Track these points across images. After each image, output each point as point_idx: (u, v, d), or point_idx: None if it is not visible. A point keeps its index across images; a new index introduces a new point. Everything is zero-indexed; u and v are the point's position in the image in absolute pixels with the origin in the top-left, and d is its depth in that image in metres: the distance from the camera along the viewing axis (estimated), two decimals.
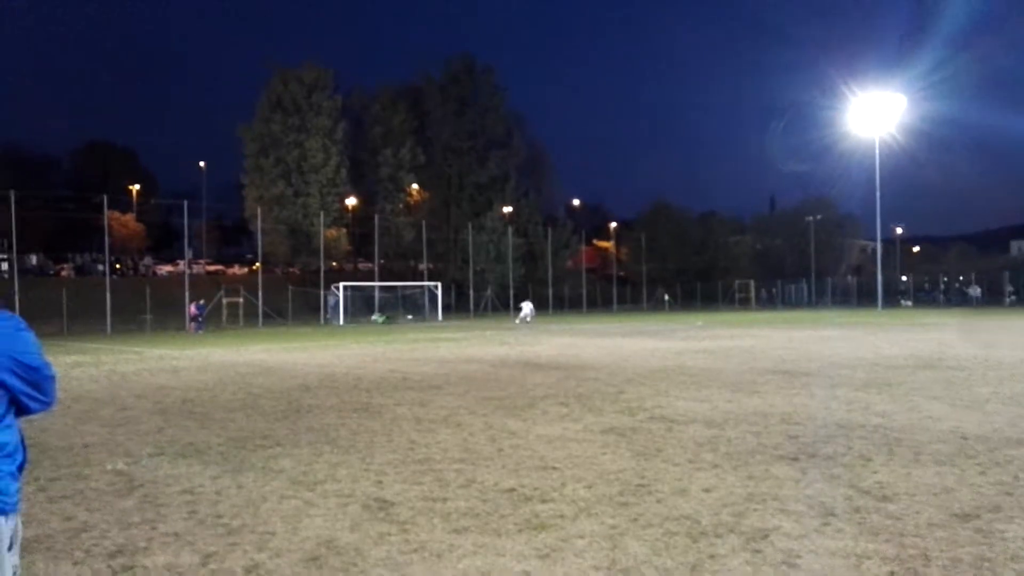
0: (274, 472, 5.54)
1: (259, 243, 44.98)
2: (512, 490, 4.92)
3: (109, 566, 3.68)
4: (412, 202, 59.01)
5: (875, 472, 5.16)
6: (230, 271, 61.18)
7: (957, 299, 58.60)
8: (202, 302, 32.88)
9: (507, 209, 60.15)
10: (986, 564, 3.44)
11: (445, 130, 60.00)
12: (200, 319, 31.44)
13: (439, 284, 46.04)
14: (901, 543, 3.74)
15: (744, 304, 63.55)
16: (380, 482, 5.20)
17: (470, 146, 60.21)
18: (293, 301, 40.12)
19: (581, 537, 3.96)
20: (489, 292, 53.88)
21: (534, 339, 22.34)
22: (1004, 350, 15.24)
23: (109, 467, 5.79)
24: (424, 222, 51.92)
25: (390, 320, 37.66)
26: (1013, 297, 54.83)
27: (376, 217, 48.48)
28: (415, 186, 58.53)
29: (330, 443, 6.60)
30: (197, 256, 57.58)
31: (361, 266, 57.69)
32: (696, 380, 10.83)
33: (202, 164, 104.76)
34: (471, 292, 52.55)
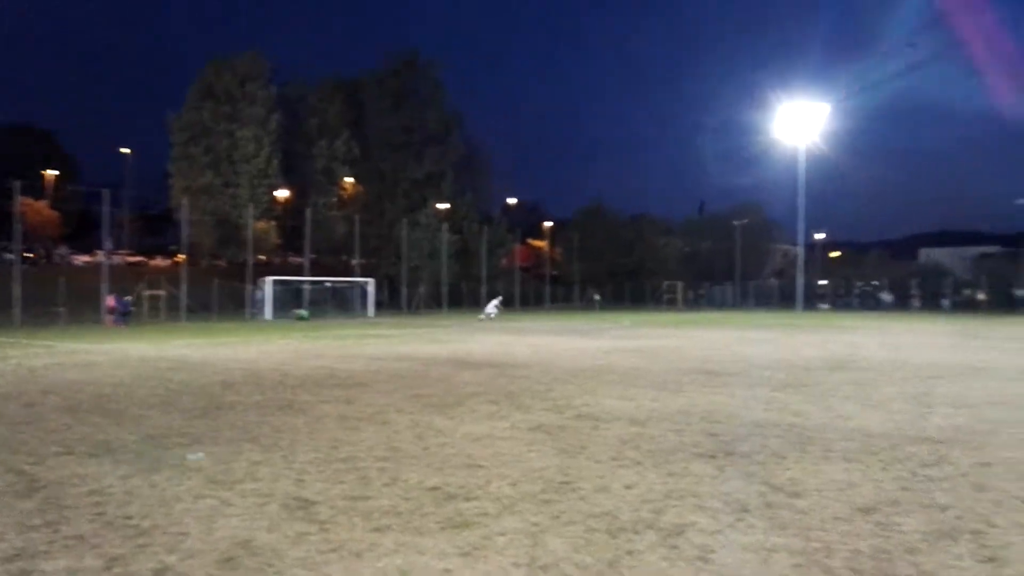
0: (190, 471, 5.37)
1: (184, 234, 43.48)
2: (436, 488, 4.91)
3: (6, 570, 3.50)
4: (346, 196, 58.12)
5: (788, 469, 5.37)
6: (152, 263, 58.99)
7: (870, 303, 61.36)
8: (128, 298, 31.49)
9: (443, 206, 59.88)
10: (883, 555, 3.63)
11: (382, 124, 59.22)
12: (123, 312, 30.08)
13: (371, 280, 45.50)
14: (807, 536, 3.90)
15: (671, 305, 64.98)
16: (301, 481, 5.11)
17: (407, 141, 59.59)
18: (219, 295, 38.94)
19: (503, 535, 3.99)
20: (422, 289, 53.53)
21: (466, 337, 22.33)
22: (909, 352, 16.05)
23: (10, 467, 5.50)
24: (357, 217, 51.19)
25: (303, 318, 36.77)
26: (919, 302, 57.72)
27: (308, 210, 47.53)
28: (349, 180, 57.66)
29: (251, 441, 6.45)
30: (118, 246, 55.23)
31: (291, 260, 56.47)
32: (623, 379, 11.03)
33: (126, 151, 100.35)
34: (404, 289, 52.08)
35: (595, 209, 79.39)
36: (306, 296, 42.58)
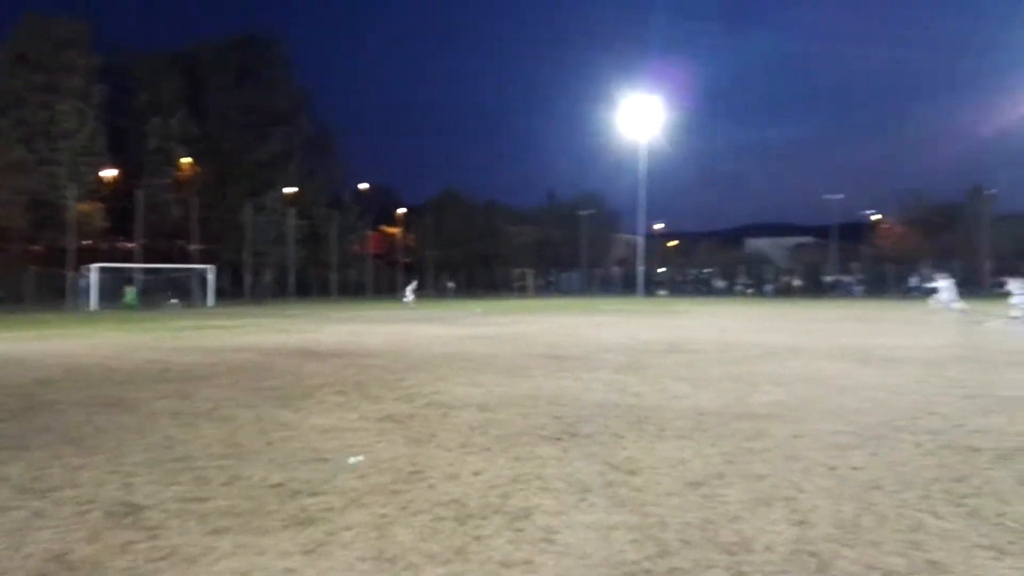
0: None
1: None
2: (280, 485, 4.74)
3: None
4: (183, 177, 54.36)
5: (625, 448, 5.65)
6: None
7: (703, 290, 65.88)
8: None
9: (290, 189, 57.55)
10: (710, 525, 3.91)
11: (223, 102, 55.91)
12: None
13: (212, 267, 43.00)
14: (643, 512, 4.13)
15: (523, 292, 66.48)
16: (129, 484, 4.75)
17: (250, 120, 56.66)
18: (36, 284, 35.29)
19: (349, 529, 3.91)
20: (268, 276, 51.28)
21: (315, 326, 21.68)
22: (735, 334, 17.40)
23: None
24: (196, 199, 48.09)
25: (132, 306, 34.17)
26: (749, 289, 62.71)
27: (140, 192, 44.06)
28: (187, 160, 53.98)
29: (71, 443, 5.91)
30: None
31: (121, 246, 52.12)
32: (474, 366, 11.14)
33: None
34: (248, 276, 49.65)
35: (450, 195, 79.46)
36: (139, 284, 39.58)
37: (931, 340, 15.36)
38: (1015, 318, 22.01)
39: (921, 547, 3.58)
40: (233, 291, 49.16)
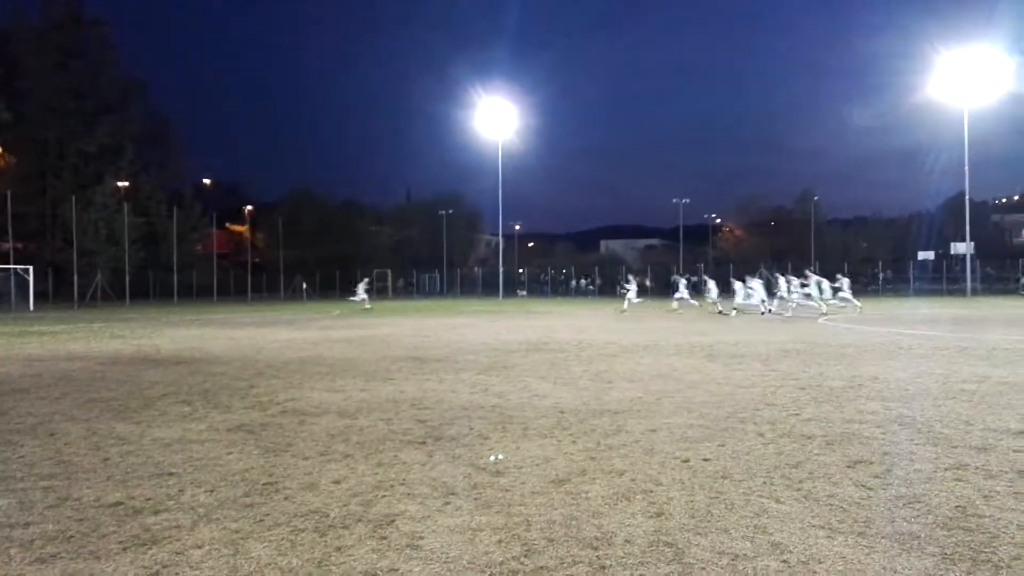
0: None
1: None
2: (118, 504, 4.34)
3: None
4: None
5: (491, 449, 5.66)
6: None
7: (560, 290, 67.84)
8: None
9: (123, 184, 53.32)
10: (573, 521, 3.98)
11: (42, 85, 50.85)
12: None
13: (31, 268, 39.00)
14: (509, 512, 4.14)
15: (382, 293, 65.44)
16: None
17: (75, 107, 51.92)
18: None
19: (199, 547, 3.64)
20: (99, 278, 47.20)
21: (155, 331, 20.21)
22: (592, 333, 18.02)
23: None
24: (9, 193, 43.42)
25: None
26: (597, 289, 65.25)
27: None
28: None
29: None
30: None
31: None
32: (332, 370, 10.80)
33: None
34: (75, 278, 45.49)
35: (302, 193, 76.83)
36: None
37: (766, 336, 16.63)
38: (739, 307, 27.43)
39: (765, 531, 3.83)
40: (58, 294, 44.86)
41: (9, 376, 10.29)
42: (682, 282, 33.93)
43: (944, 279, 58.41)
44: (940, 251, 61.52)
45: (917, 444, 5.72)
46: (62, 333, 19.52)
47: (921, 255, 61.78)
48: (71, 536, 3.80)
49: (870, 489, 4.53)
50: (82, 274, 46.37)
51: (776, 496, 4.41)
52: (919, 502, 4.26)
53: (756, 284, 29.48)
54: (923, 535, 3.74)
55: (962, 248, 55.44)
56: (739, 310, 28.33)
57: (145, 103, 59.89)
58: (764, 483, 4.68)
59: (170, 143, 65.26)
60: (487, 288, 65.77)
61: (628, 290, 31.83)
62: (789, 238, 71.33)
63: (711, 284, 31.24)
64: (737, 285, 30.35)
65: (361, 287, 37.43)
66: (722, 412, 7.13)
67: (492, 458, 5.39)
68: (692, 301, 31.59)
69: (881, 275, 62.35)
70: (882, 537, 3.71)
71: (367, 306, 35.40)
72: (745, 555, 3.51)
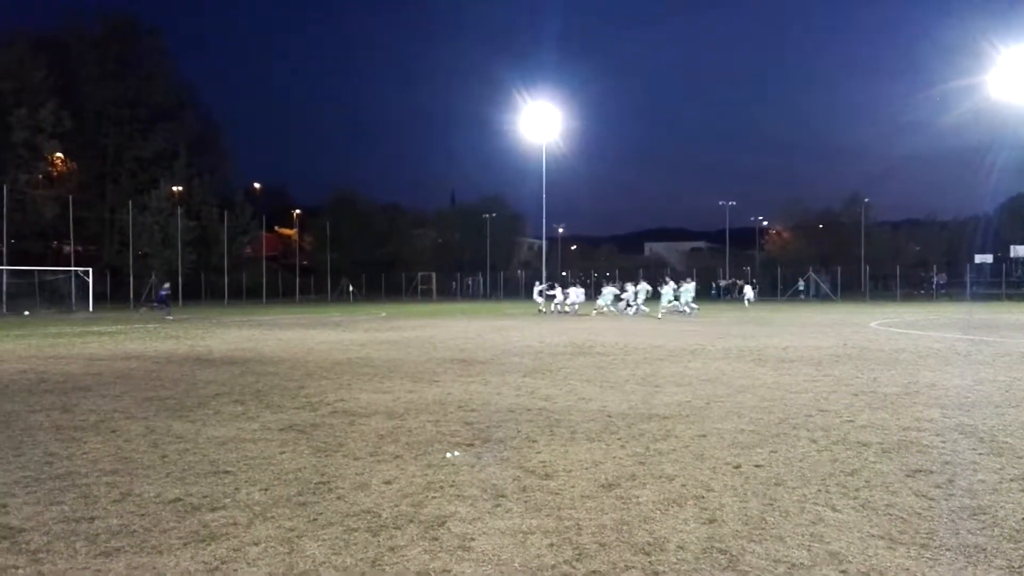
0: None
1: None
2: (177, 500, 4.46)
3: None
4: (56, 173, 50.78)
5: (539, 452, 5.66)
6: None
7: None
8: None
9: (176, 188, 54.79)
10: (624, 527, 3.95)
11: (100, 94, 52.55)
12: None
13: (90, 270, 40.33)
14: (559, 516, 4.13)
15: (426, 295, 65.97)
16: (4, 506, 4.34)
17: (131, 115, 53.55)
18: None
19: (256, 544, 3.72)
20: (154, 280, 48.59)
21: (207, 332, 20.70)
22: (638, 337, 17.87)
23: None
24: (71, 197, 44.97)
25: None
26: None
27: (5, 188, 40.80)
28: (59, 155, 50.41)
29: None
30: None
31: None
32: (379, 371, 10.92)
33: None
34: (132, 280, 46.88)
35: (347, 197, 77.87)
36: (2, 288, 36.59)
37: (816, 341, 16.28)
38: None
39: (822, 539, 3.74)
40: (116, 295, 46.31)
41: (72, 374, 10.65)
42: (611, 288, 34.12)
43: (1003, 283, 56.41)
44: (999, 254, 59.42)
45: (980, 454, 5.54)
46: (119, 333, 20.13)
47: (979, 258, 59.65)
48: (134, 531, 3.92)
49: (931, 499, 4.40)
50: (138, 276, 47.82)
51: (832, 504, 4.31)
52: (984, 513, 4.12)
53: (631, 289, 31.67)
54: (989, 548, 3.61)
55: (1023, 251, 53.47)
56: (667, 311, 29.32)
57: (197, 110, 61.48)
58: (819, 491, 4.58)
59: (220, 149, 66.87)
60: (530, 291, 65.70)
61: (662, 294, 31.49)
62: (837, 241, 69.68)
63: (606, 289, 33.17)
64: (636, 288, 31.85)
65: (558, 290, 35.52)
66: (773, 418, 7.00)
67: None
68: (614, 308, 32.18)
69: (935, 279, 60.49)
70: (946, 549, 3.60)
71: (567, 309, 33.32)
72: (802, 564, 3.43)
